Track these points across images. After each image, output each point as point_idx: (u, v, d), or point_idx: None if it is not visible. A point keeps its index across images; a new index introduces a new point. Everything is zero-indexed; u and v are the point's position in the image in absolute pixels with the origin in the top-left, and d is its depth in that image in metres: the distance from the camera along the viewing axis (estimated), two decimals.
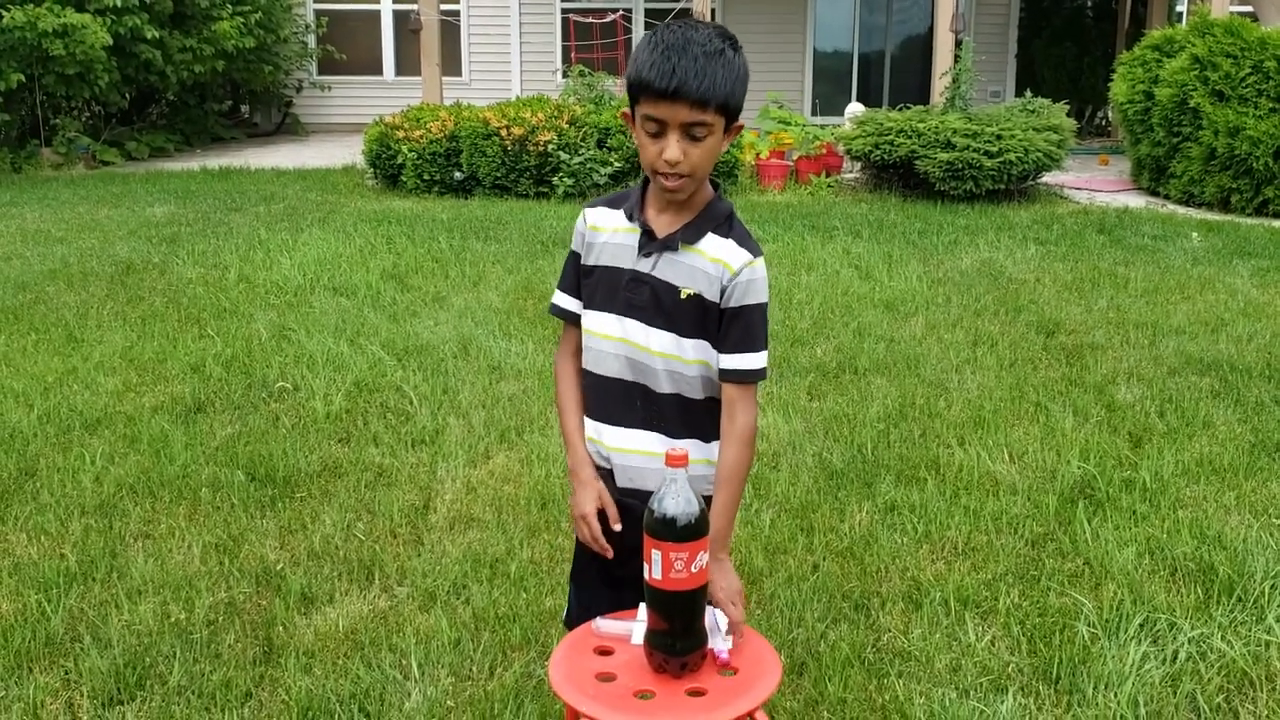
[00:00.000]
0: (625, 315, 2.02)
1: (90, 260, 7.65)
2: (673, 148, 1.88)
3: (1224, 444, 4.36)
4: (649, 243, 1.99)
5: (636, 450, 2.04)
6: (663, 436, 2.03)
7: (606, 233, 2.05)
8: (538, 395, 4.90)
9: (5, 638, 2.98)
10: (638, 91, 1.89)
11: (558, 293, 2.15)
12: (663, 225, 2.00)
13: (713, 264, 1.97)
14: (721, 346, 1.99)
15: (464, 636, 2.99)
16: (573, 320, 2.12)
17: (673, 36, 1.86)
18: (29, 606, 3.13)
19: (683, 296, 1.97)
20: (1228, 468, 4.14)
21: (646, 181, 2.03)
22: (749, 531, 3.60)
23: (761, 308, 1.98)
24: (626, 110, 1.99)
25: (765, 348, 2.00)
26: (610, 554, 2.07)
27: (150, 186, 11.33)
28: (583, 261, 2.09)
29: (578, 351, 2.13)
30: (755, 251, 1.99)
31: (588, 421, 2.12)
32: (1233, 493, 3.93)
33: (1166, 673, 2.84)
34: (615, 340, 2.03)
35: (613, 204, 2.09)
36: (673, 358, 2.00)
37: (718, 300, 1.97)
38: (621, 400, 2.05)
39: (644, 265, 2.00)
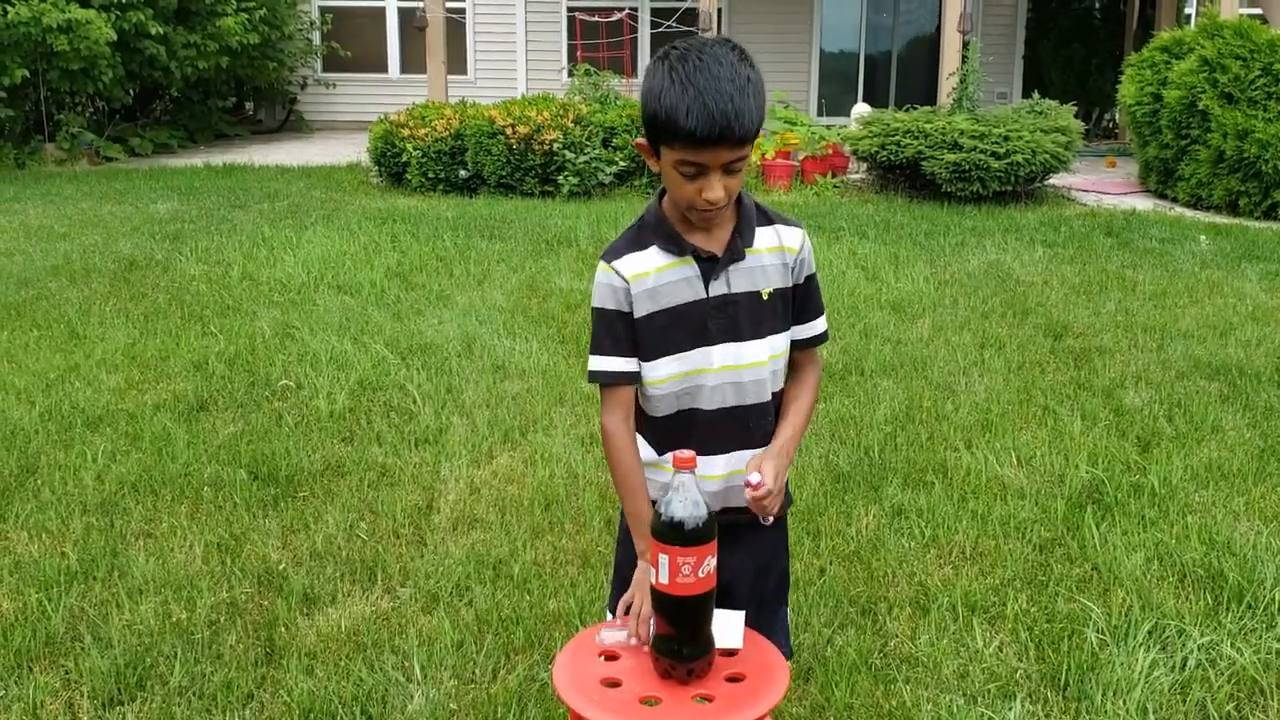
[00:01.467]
0: (719, 343, 1.96)
1: (93, 257, 7.64)
2: (716, 188, 1.84)
3: (1233, 449, 4.33)
4: (715, 264, 1.95)
5: (740, 471, 1.99)
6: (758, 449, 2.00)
7: (652, 276, 1.95)
8: (542, 395, 4.88)
9: (5, 637, 2.96)
10: (670, 138, 1.81)
11: (612, 359, 1.97)
12: (711, 242, 1.97)
13: (775, 255, 2.00)
14: (800, 319, 2.05)
15: (467, 639, 2.97)
16: (634, 381, 1.99)
17: (701, 77, 1.76)
18: (29, 605, 3.11)
19: (765, 298, 1.98)
20: (1237, 473, 4.11)
21: (655, 210, 1.98)
22: None
23: (816, 272, 2.08)
24: (643, 142, 1.91)
25: None
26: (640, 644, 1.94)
27: (154, 183, 11.33)
28: (636, 315, 1.96)
29: (630, 414, 2.01)
30: (798, 224, 2.06)
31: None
32: (1242, 498, 3.90)
33: (1176, 680, 2.81)
34: (715, 372, 1.97)
35: (635, 245, 1.97)
36: (776, 358, 2.02)
37: (790, 284, 2.02)
38: (731, 428, 2.00)
39: (720, 288, 1.96)
